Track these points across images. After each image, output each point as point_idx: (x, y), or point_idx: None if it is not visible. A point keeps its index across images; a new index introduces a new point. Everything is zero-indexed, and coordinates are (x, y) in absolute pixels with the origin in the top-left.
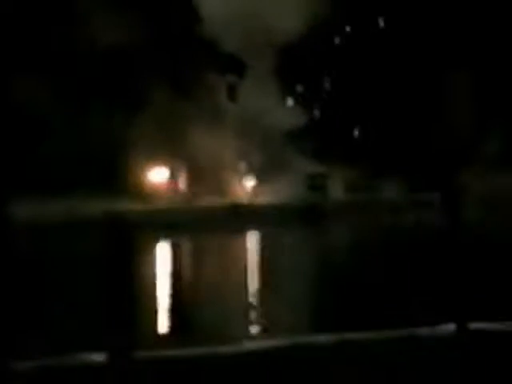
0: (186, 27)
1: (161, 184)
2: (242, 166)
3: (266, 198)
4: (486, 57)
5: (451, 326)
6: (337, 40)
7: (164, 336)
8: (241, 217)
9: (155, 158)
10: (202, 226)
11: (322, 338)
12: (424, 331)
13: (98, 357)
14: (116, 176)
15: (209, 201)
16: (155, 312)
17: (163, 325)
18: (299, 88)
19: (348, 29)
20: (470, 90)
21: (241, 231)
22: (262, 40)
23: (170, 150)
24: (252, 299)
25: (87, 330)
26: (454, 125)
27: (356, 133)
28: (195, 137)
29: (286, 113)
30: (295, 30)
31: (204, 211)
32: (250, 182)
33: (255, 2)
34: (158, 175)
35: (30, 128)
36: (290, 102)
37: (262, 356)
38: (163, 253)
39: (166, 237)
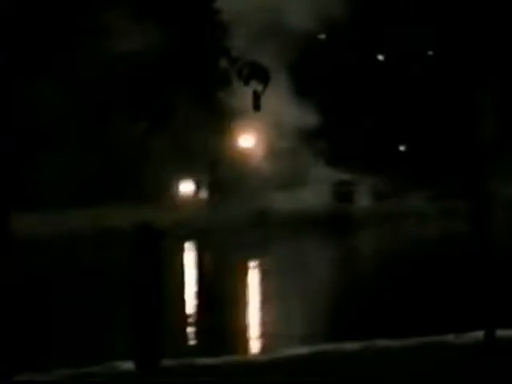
0: (210, 36)
1: (189, 195)
2: (265, 173)
3: (291, 206)
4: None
5: (479, 334)
6: (360, 41)
7: (192, 344)
8: (267, 225)
9: (178, 169)
10: (228, 234)
11: (349, 346)
12: (451, 338)
13: (127, 365)
14: (141, 186)
15: (234, 208)
16: (183, 320)
17: (191, 333)
18: (322, 91)
19: (371, 31)
20: (497, 94)
21: (267, 239)
22: (280, 41)
23: (193, 161)
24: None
25: (116, 339)
26: (480, 131)
27: (383, 139)
28: (218, 146)
29: (310, 118)
30: (315, 30)
31: (230, 219)
32: (274, 190)
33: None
34: (186, 187)
35: (52, 139)
36: (312, 106)
37: (292, 364)
38: (190, 261)
39: (192, 245)
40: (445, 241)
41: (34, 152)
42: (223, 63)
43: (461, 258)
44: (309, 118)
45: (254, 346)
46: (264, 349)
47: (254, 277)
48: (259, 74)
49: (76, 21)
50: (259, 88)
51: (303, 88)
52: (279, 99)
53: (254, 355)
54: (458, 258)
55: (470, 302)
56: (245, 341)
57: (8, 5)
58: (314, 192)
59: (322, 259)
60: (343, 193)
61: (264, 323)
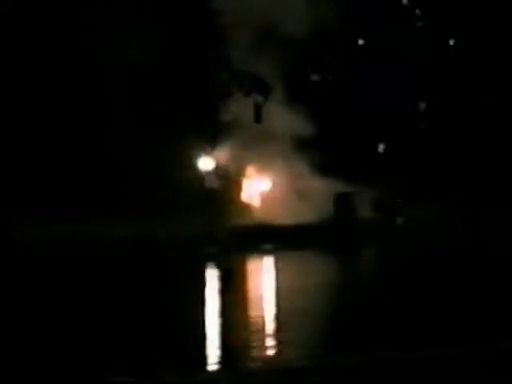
0: (210, 47)
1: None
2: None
3: (290, 218)
4: None
5: (486, 345)
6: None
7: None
8: (268, 237)
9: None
10: (229, 246)
11: (353, 359)
12: (457, 350)
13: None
14: (143, 194)
15: (233, 219)
16: (191, 335)
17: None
18: (317, 99)
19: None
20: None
21: (269, 251)
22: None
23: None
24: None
25: (111, 353)
26: (486, 141)
27: (383, 149)
28: (215, 155)
29: (305, 128)
30: (311, 34)
31: (231, 231)
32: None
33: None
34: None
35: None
36: (308, 115)
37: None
38: (196, 275)
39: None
40: (447, 251)
41: (34, 152)
42: (224, 75)
43: (465, 269)
44: (304, 128)
45: (256, 357)
46: (266, 360)
47: (260, 293)
48: (260, 86)
49: (76, 21)
50: (259, 99)
51: (298, 96)
52: (275, 107)
53: (256, 366)
54: (462, 269)
55: (479, 314)
56: (246, 352)
57: (8, 5)
58: (314, 204)
59: (339, 278)
60: (344, 204)
61: (267, 335)
